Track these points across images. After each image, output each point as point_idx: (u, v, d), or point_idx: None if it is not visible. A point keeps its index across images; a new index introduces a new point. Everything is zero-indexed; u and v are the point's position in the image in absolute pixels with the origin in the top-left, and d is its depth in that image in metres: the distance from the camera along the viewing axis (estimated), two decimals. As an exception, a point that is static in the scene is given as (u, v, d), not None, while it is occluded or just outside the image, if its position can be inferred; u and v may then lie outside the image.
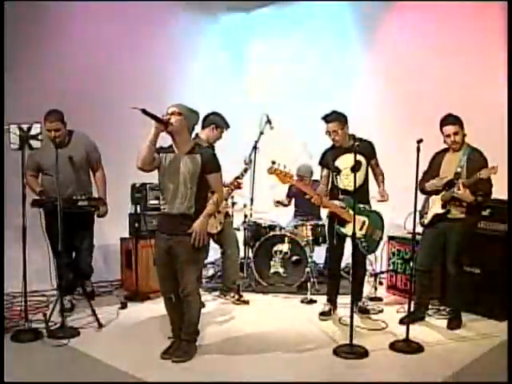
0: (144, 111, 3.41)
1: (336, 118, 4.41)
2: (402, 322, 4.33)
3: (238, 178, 5.13)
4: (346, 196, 4.48)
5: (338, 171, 4.51)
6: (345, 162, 4.48)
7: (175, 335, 3.83)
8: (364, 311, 4.69)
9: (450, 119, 4.20)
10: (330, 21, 6.78)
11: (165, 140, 3.70)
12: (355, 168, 4.07)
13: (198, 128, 4.73)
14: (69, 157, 4.56)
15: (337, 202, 4.49)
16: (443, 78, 5.66)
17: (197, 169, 3.57)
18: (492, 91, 5.27)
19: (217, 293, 5.34)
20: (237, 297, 5.10)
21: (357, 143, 3.97)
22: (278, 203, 6.16)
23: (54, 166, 4.16)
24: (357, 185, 4.20)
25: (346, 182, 4.47)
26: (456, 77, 5.55)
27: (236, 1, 7.21)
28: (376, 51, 6.44)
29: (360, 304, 4.71)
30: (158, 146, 3.60)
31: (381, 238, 4.68)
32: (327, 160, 4.59)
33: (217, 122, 4.87)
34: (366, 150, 4.48)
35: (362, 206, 4.48)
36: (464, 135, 4.23)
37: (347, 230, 4.43)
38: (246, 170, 5.25)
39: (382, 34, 6.36)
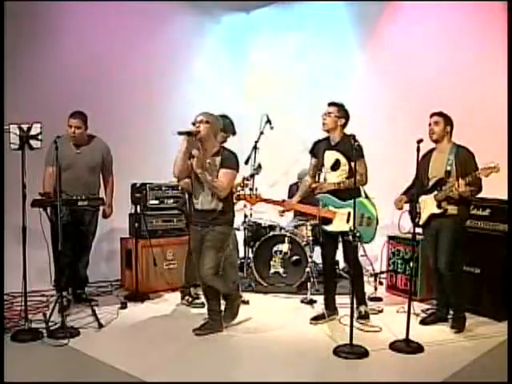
0: (179, 133, 3.82)
1: (335, 104, 4.43)
2: (423, 322, 4.41)
3: (246, 179, 5.14)
4: (323, 195, 4.44)
5: (321, 165, 4.51)
6: (327, 158, 4.45)
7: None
8: (363, 317, 4.47)
9: (436, 112, 4.31)
10: (330, 21, 6.78)
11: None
12: (338, 166, 4.26)
13: None
14: (90, 166, 4.84)
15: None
16: (443, 77, 5.65)
17: (218, 169, 3.95)
18: (492, 91, 5.27)
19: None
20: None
21: (357, 144, 4.01)
22: (283, 212, 6.15)
23: (70, 164, 4.58)
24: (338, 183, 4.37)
25: (328, 178, 4.46)
26: (455, 76, 5.54)
27: (236, 1, 7.21)
28: (376, 51, 6.44)
29: (361, 309, 4.49)
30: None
31: (377, 223, 4.43)
32: (318, 150, 4.53)
33: (223, 125, 4.78)
34: (350, 150, 4.16)
35: (336, 199, 4.37)
36: (446, 132, 4.27)
37: (333, 226, 4.42)
38: (252, 176, 5.26)
39: (381, 34, 6.35)
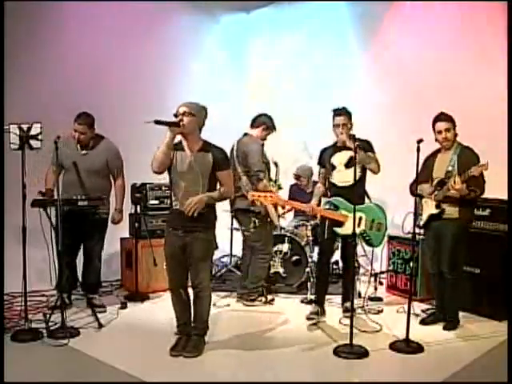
0: (157, 122, 3.46)
1: (344, 112, 4.52)
2: (422, 322, 4.42)
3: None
4: (336, 197, 4.52)
5: (332, 168, 4.58)
6: (339, 158, 4.56)
7: (182, 331, 3.87)
8: (349, 311, 4.41)
9: (442, 117, 4.25)
10: (330, 21, 6.78)
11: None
12: (353, 163, 4.15)
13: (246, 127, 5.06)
14: (92, 169, 4.69)
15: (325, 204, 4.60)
16: (444, 77, 5.65)
17: (209, 167, 3.65)
18: (492, 91, 5.27)
19: (222, 293, 5.34)
20: (264, 299, 5.06)
21: (357, 143, 3.99)
22: (283, 214, 6.17)
23: (73, 165, 4.53)
24: (352, 181, 4.25)
25: (340, 178, 4.54)
26: (456, 76, 5.54)
27: (236, 1, 7.21)
28: (376, 51, 6.44)
29: (347, 305, 4.57)
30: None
31: (385, 229, 4.61)
32: (324, 158, 4.67)
33: (267, 123, 5.07)
34: (363, 147, 4.38)
35: (348, 203, 4.41)
36: (455, 134, 4.25)
37: (344, 229, 4.47)
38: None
39: (382, 34, 6.35)
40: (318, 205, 4.67)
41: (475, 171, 3.94)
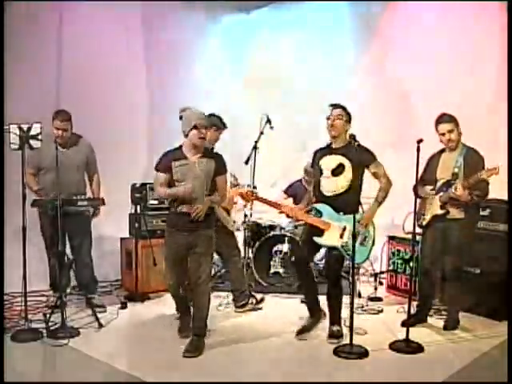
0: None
1: (342, 107, 4.05)
2: (404, 324, 4.24)
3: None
4: (321, 204, 4.04)
5: (320, 172, 4.07)
6: (327, 163, 4.04)
7: (183, 332, 4.00)
8: (336, 337, 4.02)
9: (444, 118, 4.22)
10: (330, 21, 6.77)
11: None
12: (340, 170, 3.90)
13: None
14: (74, 165, 4.65)
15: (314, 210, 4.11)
16: (443, 77, 5.66)
17: (211, 172, 3.82)
18: (492, 91, 5.27)
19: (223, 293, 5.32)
20: (254, 301, 4.92)
21: (357, 143, 3.84)
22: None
23: (53, 165, 4.28)
24: (338, 191, 3.96)
25: (327, 186, 4.02)
26: (456, 76, 5.55)
27: (236, 1, 7.21)
28: (376, 51, 6.44)
29: (334, 329, 4.04)
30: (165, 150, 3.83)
31: (373, 243, 4.06)
32: (315, 159, 4.18)
33: (217, 123, 4.76)
34: (358, 155, 3.88)
35: (333, 211, 3.98)
36: (459, 134, 4.23)
37: (325, 239, 4.00)
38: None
39: (381, 34, 6.35)
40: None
41: (485, 175, 3.93)
